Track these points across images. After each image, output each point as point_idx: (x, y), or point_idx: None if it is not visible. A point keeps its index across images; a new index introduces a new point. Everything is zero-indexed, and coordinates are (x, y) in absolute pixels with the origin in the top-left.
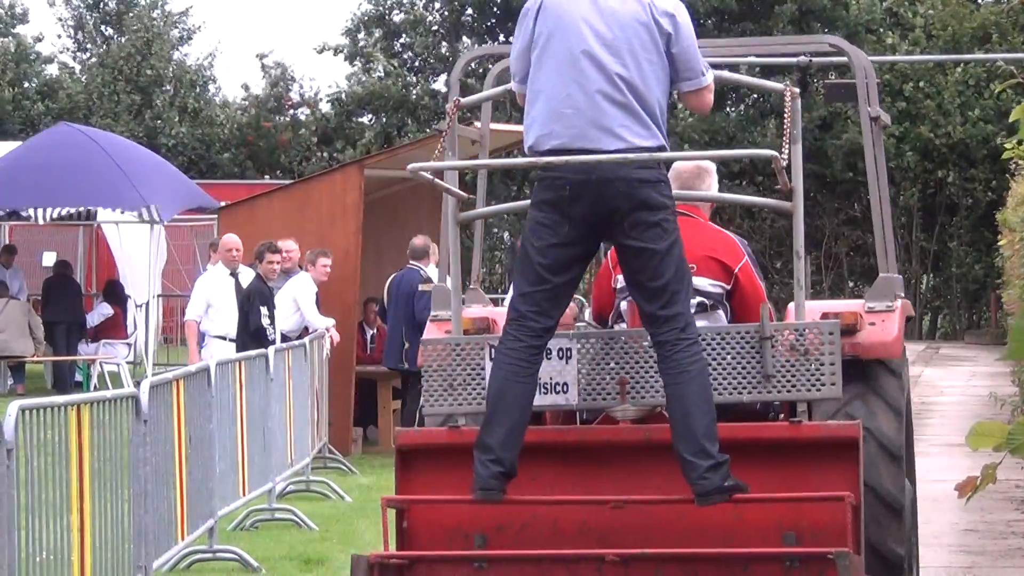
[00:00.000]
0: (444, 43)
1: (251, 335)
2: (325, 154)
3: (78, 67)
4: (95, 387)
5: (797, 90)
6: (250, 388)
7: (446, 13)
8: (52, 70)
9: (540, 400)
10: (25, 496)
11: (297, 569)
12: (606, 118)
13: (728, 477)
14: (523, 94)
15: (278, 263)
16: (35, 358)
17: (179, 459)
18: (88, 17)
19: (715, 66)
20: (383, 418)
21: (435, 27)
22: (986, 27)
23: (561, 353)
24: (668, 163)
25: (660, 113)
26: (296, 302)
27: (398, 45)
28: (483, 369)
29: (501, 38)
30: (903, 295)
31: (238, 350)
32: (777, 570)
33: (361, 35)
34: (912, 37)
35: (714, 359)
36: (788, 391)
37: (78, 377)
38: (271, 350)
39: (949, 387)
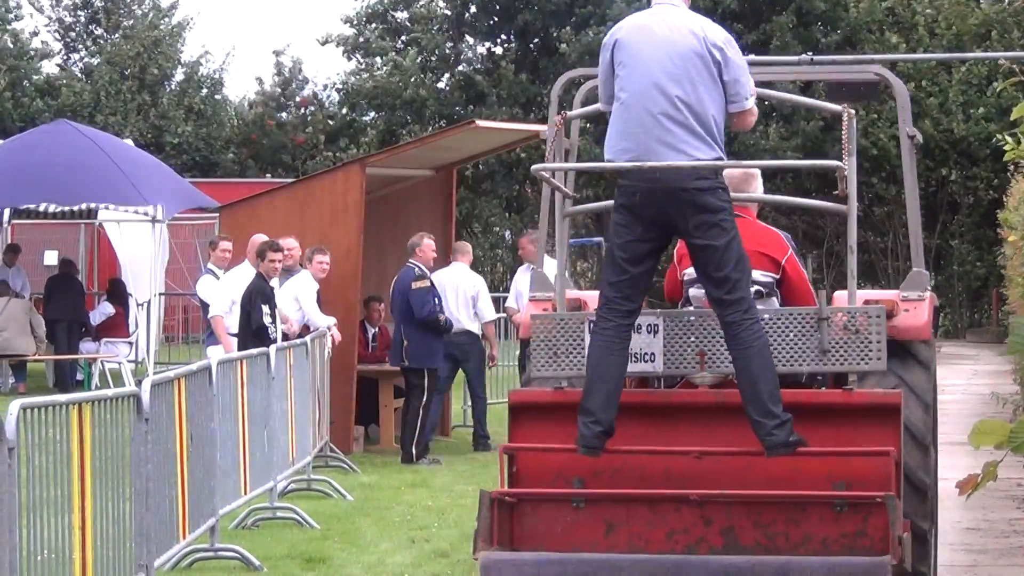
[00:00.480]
0: (448, 41)
1: (253, 334)
2: (330, 153)
3: (79, 66)
4: (96, 386)
5: (853, 112)
6: (251, 387)
7: (448, 12)
8: (51, 67)
9: (631, 367)
10: (26, 495)
11: (299, 568)
12: (670, 136)
13: (791, 434)
14: (609, 113)
15: (279, 261)
16: (37, 357)
17: (180, 458)
18: (73, 17)
19: (765, 84)
20: (384, 417)
21: (438, 25)
22: (988, 24)
23: (650, 328)
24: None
25: (717, 129)
26: (297, 300)
27: (400, 42)
28: (582, 341)
29: (503, 37)
30: (930, 288)
31: (239, 349)
32: (828, 513)
33: (371, 26)
34: (916, 36)
35: (776, 336)
36: (841, 364)
37: (79, 376)
38: (272, 348)
39: (951, 386)
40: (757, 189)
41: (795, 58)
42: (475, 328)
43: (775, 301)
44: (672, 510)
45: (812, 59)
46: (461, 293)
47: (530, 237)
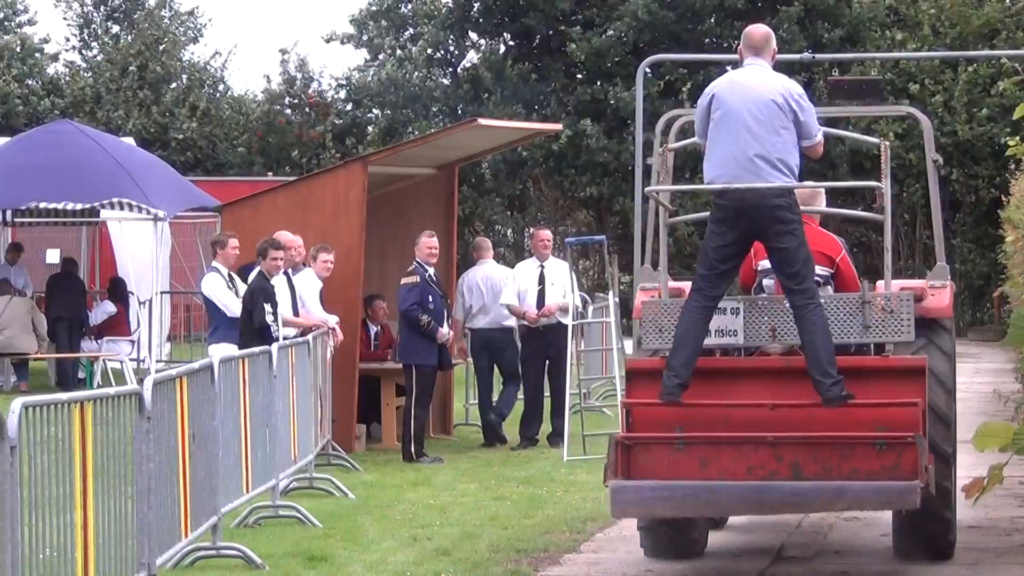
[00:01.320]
0: (451, 39)
1: (255, 332)
2: (338, 153)
3: (83, 64)
4: (98, 384)
5: (887, 143)
6: (253, 385)
7: (451, 7)
8: (57, 67)
9: (719, 341)
10: (28, 493)
11: (301, 566)
12: (754, 166)
13: (843, 390)
14: (703, 146)
15: (281, 259)
16: (39, 355)
17: (182, 456)
18: (96, 14)
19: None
20: (386, 415)
21: (441, 21)
22: (991, 23)
23: (733, 310)
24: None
25: (792, 161)
26: (300, 299)
27: (405, 38)
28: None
29: (506, 36)
30: (950, 278)
31: (241, 347)
32: (871, 450)
33: (375, 23)
34: (920, 35)
35: (831, 315)
36: (880, 336)
37: (81, 374)
38: (275, 347)
39: None
40: (821, 203)
41: (796, 56)
42: (511, 323)
43: (830, 289)
44: (751, 449)
45: (814, 57)
46: (497, 289)
47: (546, 234)
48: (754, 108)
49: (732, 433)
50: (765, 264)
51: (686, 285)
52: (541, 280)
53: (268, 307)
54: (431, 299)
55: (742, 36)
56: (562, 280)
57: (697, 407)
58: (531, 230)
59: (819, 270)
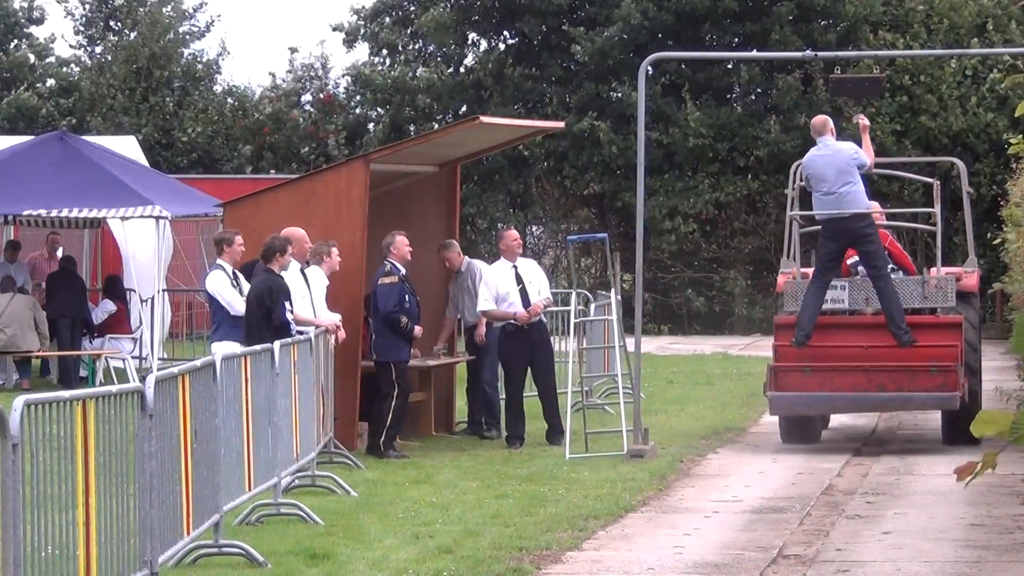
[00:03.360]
0: (453, 42)
1: (275, 331)
2: (347, 151)
3: (89, 63)
4: (100, 382)
5: (938, 182)
6: (256, 383)
7: (451, 6)
8: (68, 68)
9: (831, 306)
10: (31, 491)
11: (303, 564)
12: (842, 201)
13: (910, 336)
14: (809, 188)
15: (290, 254)
16: (41, 353)
17: (184, 454)
18: (98, 13)
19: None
20: None
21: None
22: (984, 16)
23: (840, 287)
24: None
25: (862, 199)
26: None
27: (407, 36)
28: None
29: (505, 35)
30: (977, 267)
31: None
32: (927, 374)
33: (380, 20)
34: (912, 32)
35: (903, 291)
36: (932, 303)
37: (83, 372)
38: (277, 344)
39: None
40: (883, 219)
41: (798, 54)
42: (543, 318)
43: (901, 273)
44: (854, 373)
45: (816, 55)
46: (537, 285)
47: (514, 234)
48: (833, 164)
49: (840, 363)
50: (855, 258)
51: (810, 271)
52: (519, 280)
53: (288, 304)
54: (407, 299)
55: (810, 126)
56: (537, 278)
57: (818, 348)
58: (531, 228)
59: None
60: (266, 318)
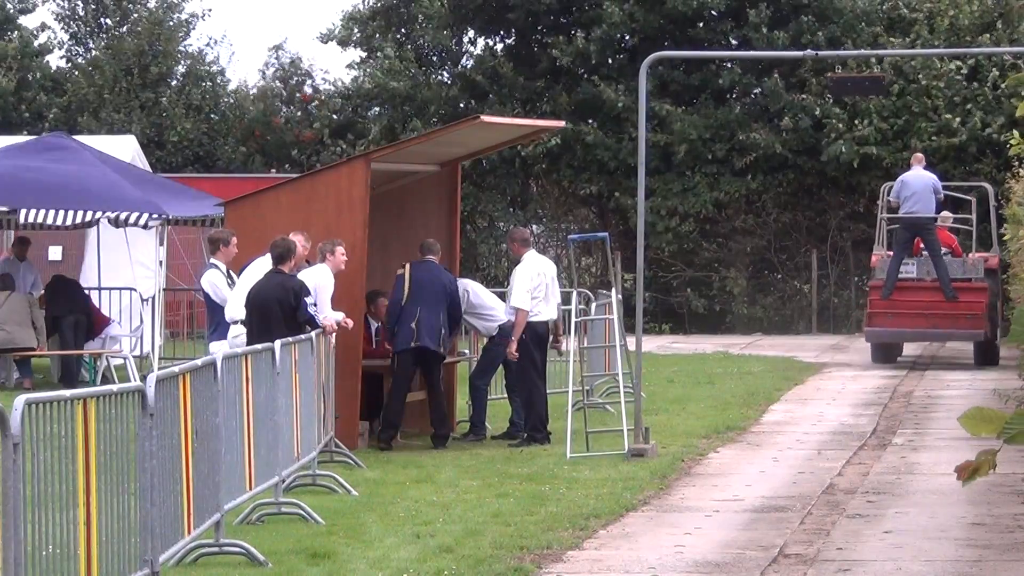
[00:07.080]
0: (451, 39)
1: (298, 328)
2: (339, 149)
3: (83, 59)
4: (104, 379)
5: (973, 199)
6: (256, 382)
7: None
8: (56, 60)
9: (904, 276)
10: (32, 490)
11: (304, 563)
12: (921, 210)
13: (955, 293)
14: (897, 202)
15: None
16: (41, 352)
17: (185, 453)
18: (81, 9)
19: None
20: None
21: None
22: (985, 16)
23: (912, 263)
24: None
25: (933, 208)
26: (315, 293)
27: (402, 36)
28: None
29: (502, 33)
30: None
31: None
32: (965, 318)
33: (373, 23)
34: (914, 31)
35: (952, 267)
36: (969, 275)
37: (84, 376)
38: (278, 344)
39: (955, 381)
40: (948, 220)
41: (800, 53)
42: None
43: (951, 255)
44: (919, 316)
45: (816, 54)
46: (551, 280)
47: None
48: (922, 185)
49: (910, 311)
50: (921, 245)
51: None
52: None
53: (309, 299)
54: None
55: (912, 156)
56: (554, 283)
57: (897, 300)
58: (531, 228)
59: (944, 248)
60: (292, 316)
